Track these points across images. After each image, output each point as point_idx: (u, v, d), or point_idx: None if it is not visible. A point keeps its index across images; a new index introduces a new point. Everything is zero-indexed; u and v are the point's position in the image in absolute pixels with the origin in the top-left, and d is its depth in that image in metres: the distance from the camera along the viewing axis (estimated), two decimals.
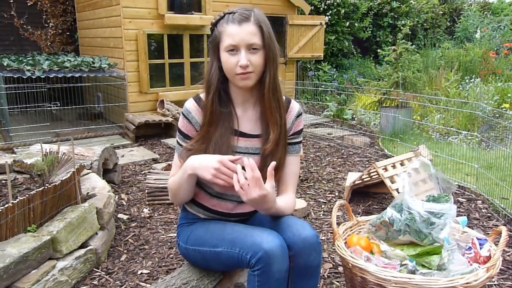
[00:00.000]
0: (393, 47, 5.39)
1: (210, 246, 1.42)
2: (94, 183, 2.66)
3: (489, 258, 1.51)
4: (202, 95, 1.47)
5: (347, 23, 9.03)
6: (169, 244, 2.43)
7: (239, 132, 1.47)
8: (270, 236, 1.30)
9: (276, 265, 1.26)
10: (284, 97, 1.52)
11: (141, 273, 2.12)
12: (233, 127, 1.46)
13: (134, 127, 4.94)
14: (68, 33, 7.19)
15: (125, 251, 2.36)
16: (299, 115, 1.54)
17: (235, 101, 1.47)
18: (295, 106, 1.53)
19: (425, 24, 10.66)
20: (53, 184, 2.09)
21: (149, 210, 2.91)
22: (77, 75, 4.94)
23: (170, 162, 3.76)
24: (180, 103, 5.42)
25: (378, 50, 6.81)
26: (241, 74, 1.35)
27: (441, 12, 11.18)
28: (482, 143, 4.42)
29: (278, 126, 1.43)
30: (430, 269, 1.50)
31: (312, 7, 8.11)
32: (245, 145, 1.47)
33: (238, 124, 1.47)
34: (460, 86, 6.34)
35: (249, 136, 1.47)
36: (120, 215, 2.81)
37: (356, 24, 9.23)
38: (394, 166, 2.74)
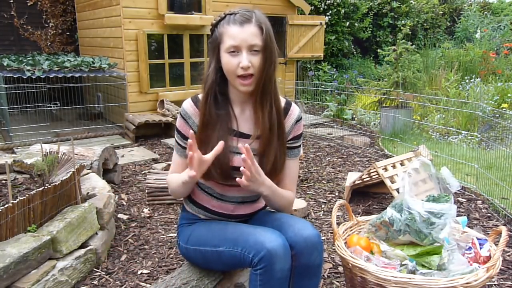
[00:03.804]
0: (393, 47, 5.39)
1: (211, 246, 1.42)
2: (94, 183, 2.66)
3: (489, 258, 1.51)
4: (201, 96, 1.47)
5: (347, 23, 9.03)
6: (169, 244, 2.43)
7: (238, 133, 1.46)
8: (273, 235, 1.30)
9: (279, 264, 1.26)
10: (284, 100, 1.51)
11: (141, 273, 2.12)
12: (231, 127, 1.45)
13: (134, 127, 4.94)
14: (68, 33, 7.19)
15: (125, 251, 2.36)
16: (299, 119, 1.52)
17: (234, 101, 1.47)
18: (295, 110, 1.52)
19: (425, 24, 10.66)
20: (53, 184, 2.09)
21: (149, 210, 2.92)
22: (77, 75, 4.94)
23: (170, 162, 3.76)
24: (180, 103, 5.40)
25: (378, 50, 6.81)
26: (242, 76, 1.34)
27: (441, 12, 11.18)
28: (482, 143, 4.42)
29: (265, 128, 1.41)
30: (430, 269, 1.50)
31: (312, 7, 8.11)
32: (243, 145, 1.46)
33: (237, 124, 1.47)
34: (460, 86, 6.34)
35: (247, 136, 1.47)
36: (120, 215, 2.81)
37: (356, 24, 9.23)
38: (394, 166, 2.74)
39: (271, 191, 1.43)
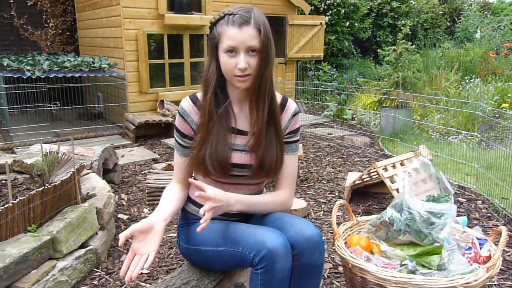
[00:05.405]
0: (393, 47, 5.40)
1: (212, 246, 1.42)
2: (94, 183, 2.66)
3: (489, 258, 1.51)
4: (199, 95, 1.48)
5: (347, 23, 9.04)
6: (169, 244, 2.43)
7: (236, 130, 1.47)
8: (274, 234, 1.30)
9: (280, 263, 1.26)
10: (281, 96, 1.52)
11: (141, 273, 2.12)
12: (230, 125, 1.46)
13: (134, 127, 4.94)
14: (68, 33, 7.20)
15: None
16: (295, 114, 1.53)
17: (233, 99, 1.48)
18: (291, 105, 1.53)
19: (425, 24, 10.66)
20: (53, 184, 2.09)
21: (149, 210, 2.91)
22: (77, 75, 4.94)
23: (170, 162, 3.75)
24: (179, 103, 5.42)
25: (378, 50, 6.81)
26: (239, 76, 1.35)
27: (441, 12, 11.18)
28: (482, 143, 4.42)
29: (261, 125, 1.42)
30: (430, 269, 1.50)
31: (312, 7, 8.11)
32: (241, 142, 1.47)
33: (236, 121, 1.47)
34: (460, 86, 6.34)
35: (245, 133, 1.48)
36: (120, 215, 2.81)
37: (356, 24, 9.23)
38: (394, 166, 2.74)
39: (246, 204, 1.43)
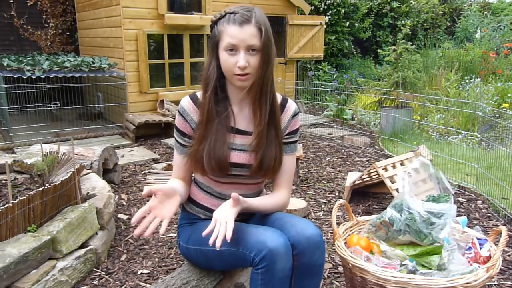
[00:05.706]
0: (393, 47, 5.40)
1: (212, 245, 1.42)
2: (94, 183, 2.66)
3: (489, 258, 1.51)
4: (199, 94, 1.48)
5: (347, 23, 9.04)
6: (169, 244, 2.43)
7: (235, 129, 1.47)
8: (274, 234, 1.30)
9: (280, 263, 1.26)
10: (281, 96, 1.52)
11: (141, 273, 2.12)
12: (229, 124, 1.46)
13: (134, 127, 4.94)
14: (68, 33, 7.20)
15: (125, 251, 2.36)
16: (295, 114, 1.54)
17: (232, 98, 1.48)
18: (291, 106, 1.54)
19: (425, 24, 10.66)
20: (53, 184, 2.09)
21: None
22: (77, 75, 4.94)
23: (170, 162, 3.76)
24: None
25: (378, 50, 6.82)
26: (239, 75, 1.35)
27: (441, 12, 11.18)
28: (482, 143, 4.42)
29: (263, 126, 1.43)
30: (430, 269, 1.50)
31: (312, 7, 8.11)
32: (241, 142, 1.47)
33: (235, 121, 1.48)
34: (460, 86, 6.35)
35: (245, 133, 1.48)
36: (120, 215, 2.81)
37: (356, 24, 9.23)
38: (394, 166, 2.74)
39: (251, 208, 1.44)
